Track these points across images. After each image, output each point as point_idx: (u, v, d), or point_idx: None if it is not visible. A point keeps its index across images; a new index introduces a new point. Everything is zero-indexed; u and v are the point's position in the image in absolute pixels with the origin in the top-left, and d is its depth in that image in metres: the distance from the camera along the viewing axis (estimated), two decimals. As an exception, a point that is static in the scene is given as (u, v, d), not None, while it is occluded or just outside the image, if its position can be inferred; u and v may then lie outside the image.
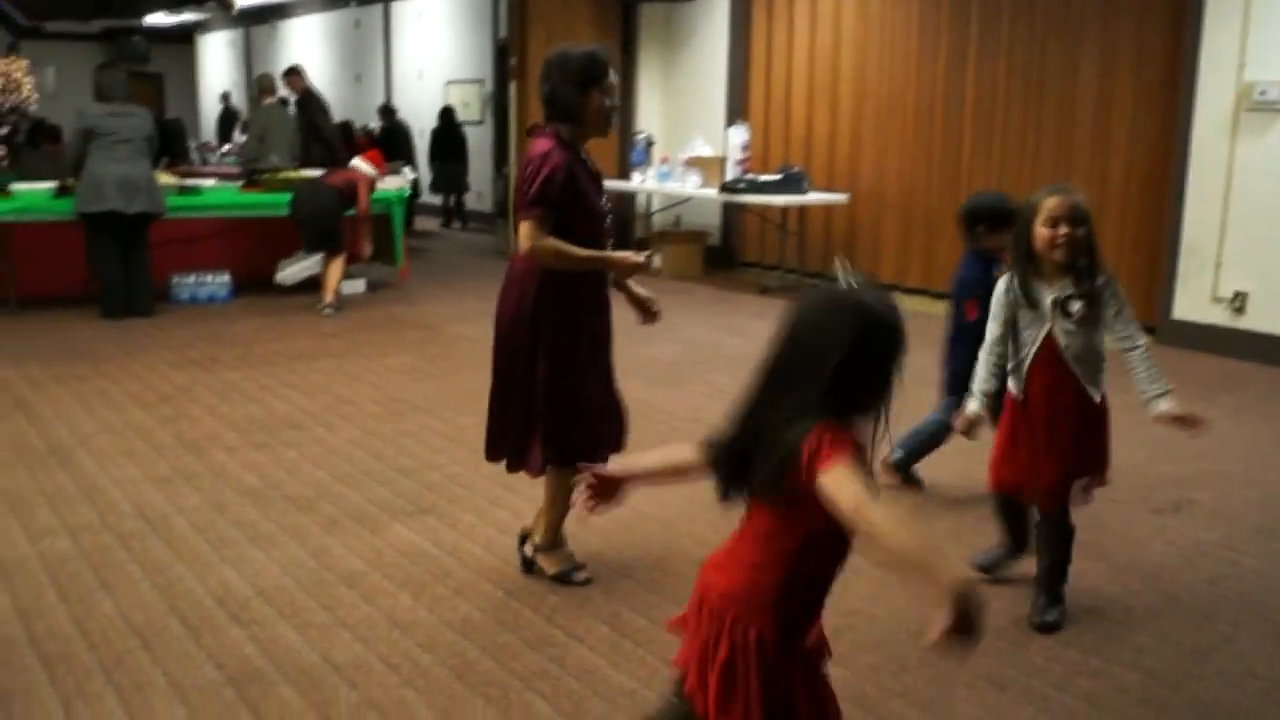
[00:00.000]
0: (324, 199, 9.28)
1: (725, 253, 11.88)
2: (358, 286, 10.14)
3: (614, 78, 3.95)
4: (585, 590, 4.09)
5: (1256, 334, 7.87)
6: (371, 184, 9.54)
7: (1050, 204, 3.59)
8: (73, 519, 4.71)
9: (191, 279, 9.46)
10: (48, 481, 5.15)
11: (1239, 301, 7.95)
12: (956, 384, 4.71)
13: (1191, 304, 8.24)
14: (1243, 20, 7.75)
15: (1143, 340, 3.77)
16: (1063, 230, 3.57)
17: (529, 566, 4.20)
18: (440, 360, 7.54)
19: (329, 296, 9.28)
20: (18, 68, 21.56)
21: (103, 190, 8.56)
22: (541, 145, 3.88)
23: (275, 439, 5.82)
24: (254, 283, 9.87)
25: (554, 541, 4.17)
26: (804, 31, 11.12)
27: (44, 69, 22.71)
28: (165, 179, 9.59)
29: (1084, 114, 8.97)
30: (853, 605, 3.99)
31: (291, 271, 10.00)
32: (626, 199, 12.36)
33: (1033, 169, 9.34)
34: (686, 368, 7.46)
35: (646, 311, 4.21)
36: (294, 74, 12.59)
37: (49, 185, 9.14)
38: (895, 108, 10.39)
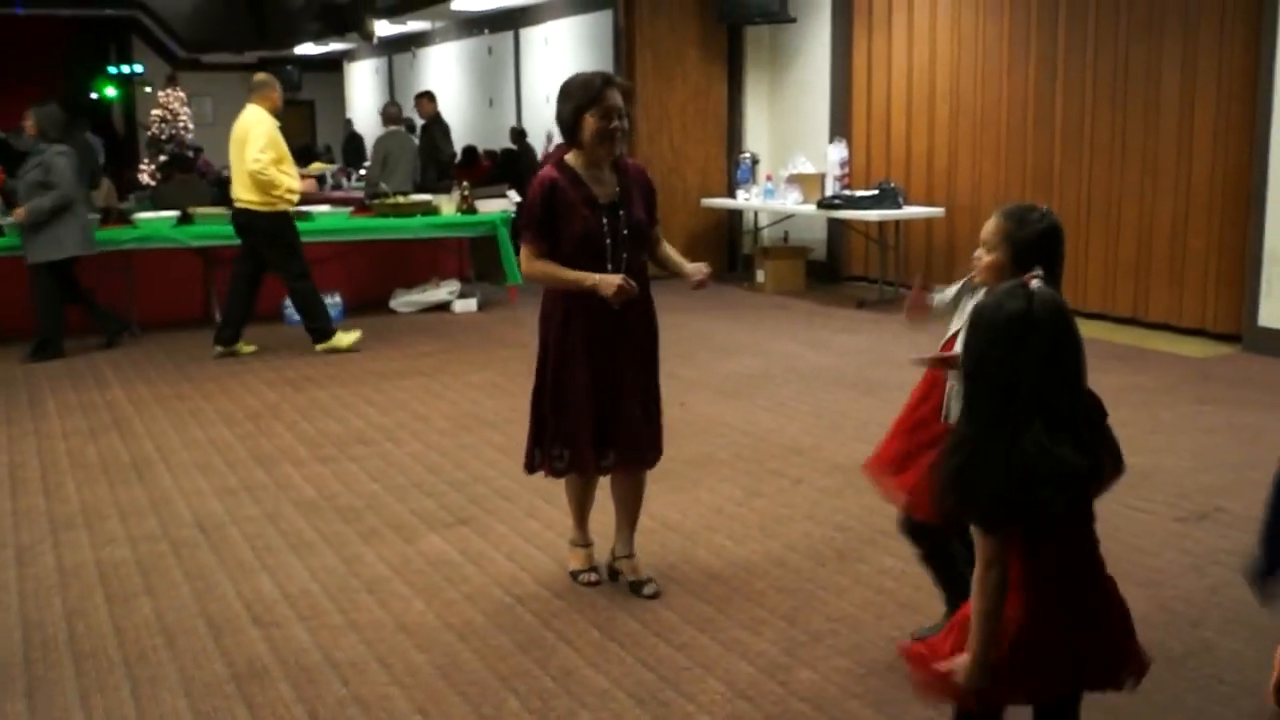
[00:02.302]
0: None
1: (830, 267, 11.89)
2: (469, 306, 10.47)
3: (614, 100, 4.03)
4: (590, 595, 4.25)
5: (1340, 342, 7.70)
6: None
7: None
8: (137, 529, 5.05)
9: (302, 301, 9.88)
10: (124, 494, 5.53)
11: (1322, 309, 7.76)
12: None
13: (1276, 311, 8.07)
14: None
15: None
16: (976, 252, 3.27)
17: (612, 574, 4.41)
18: (521, 378, 7.71)
19: None
20: (175, 99, 22.75)
21: (92, 233, 8.96)
22: (541, 172, 4.16)
23: (343, 453, 6.12)
24: (364, 304, 10.28)
25: (575, 539, 4.45)
26: (902, 49, 11.11)
27: (201, 100, 23.86)
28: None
29: (1168, 121, 8.81)
30: (844, 611, 4.06)
31: (407, 300, 10.44)
32: (734, 216, 12.49)
33: (1121, 178, 9.21)
34: (759, 381, 7.54)
35: (688, 277, 4.18)
36: (426, 98, 13.08)
37: (170, 215, 9.68)
38: (988, 122, 10.31)
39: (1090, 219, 9.47)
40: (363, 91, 23.41)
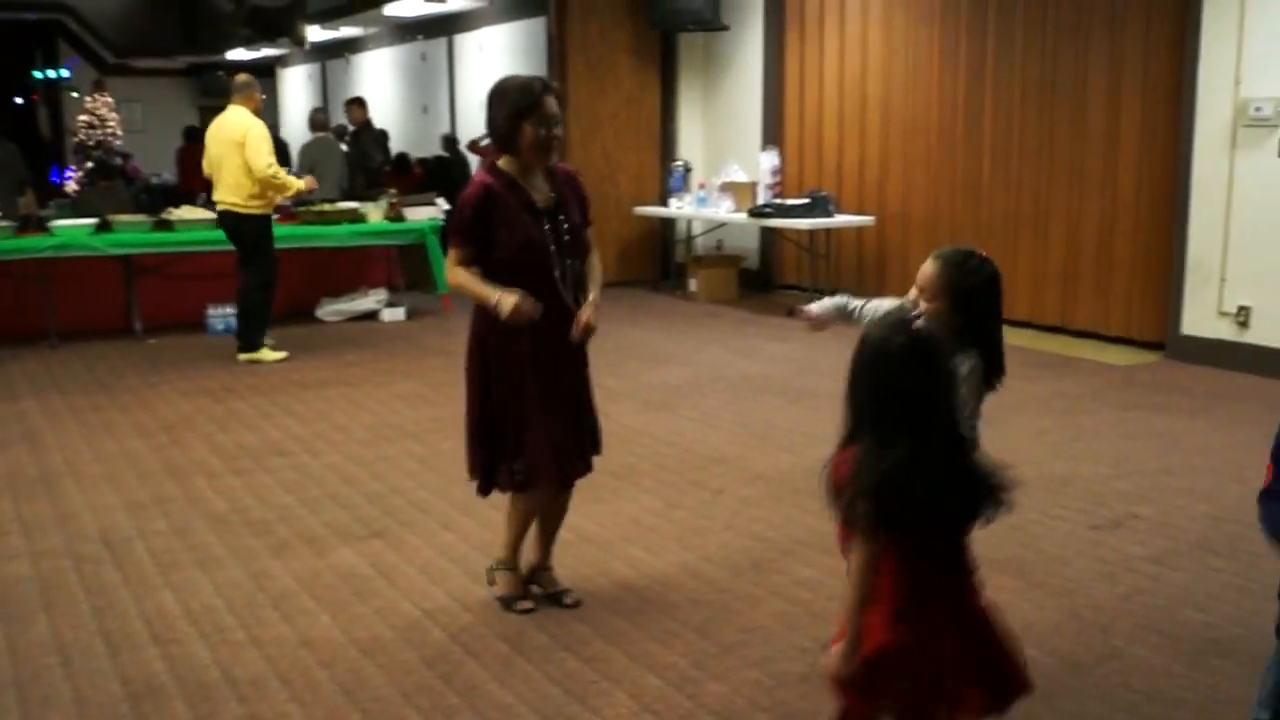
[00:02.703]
0: None
1: (763, 275, 11.89)
2: (397, 315, 10.35)
3: (553, 108, 3.94)
4: (495, 607, 4.17)
5: (1260, 348, 7.76)
6: None
7: None
8: (40, 544, 4.91)
9: (226, 310, 9.71)
10: (28, 508, 5.37)
11: (1243, 316, 7.85)
12: None
13: (1198, 319, 8.15)
14: (1238, 36, 7.68)
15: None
16: (912, 294, 3.20)
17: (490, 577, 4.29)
18: (446, 387, 7.66)
19: None
20: (103, 104, 22.37)
21: None
22: (475, 177, 4.05)
23: (258, 465, 6.00)
24: (291, 313, 10.09)
25: (508, 561, 4.23)
26: (834, 57, 11.13)
27: (130, 105, 23.50)
28: (197, 213, 9.88)
29: (1095, 129, 8.88)
30: (756, 622, 4.02)
31: (334, 309, 10.31)
32: (668, 224, 12.45)
33: (1048, 185, 9.27)
34: (686, 391, 7.50)
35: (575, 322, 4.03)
36: (356, 105, 12.97)
37: (88, 222, 9.49)
38: (919, 129, 10.36)
39: (1018, 227, 9.53)
40: (296, 97, 23.16)
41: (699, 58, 12.50)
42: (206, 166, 8.75)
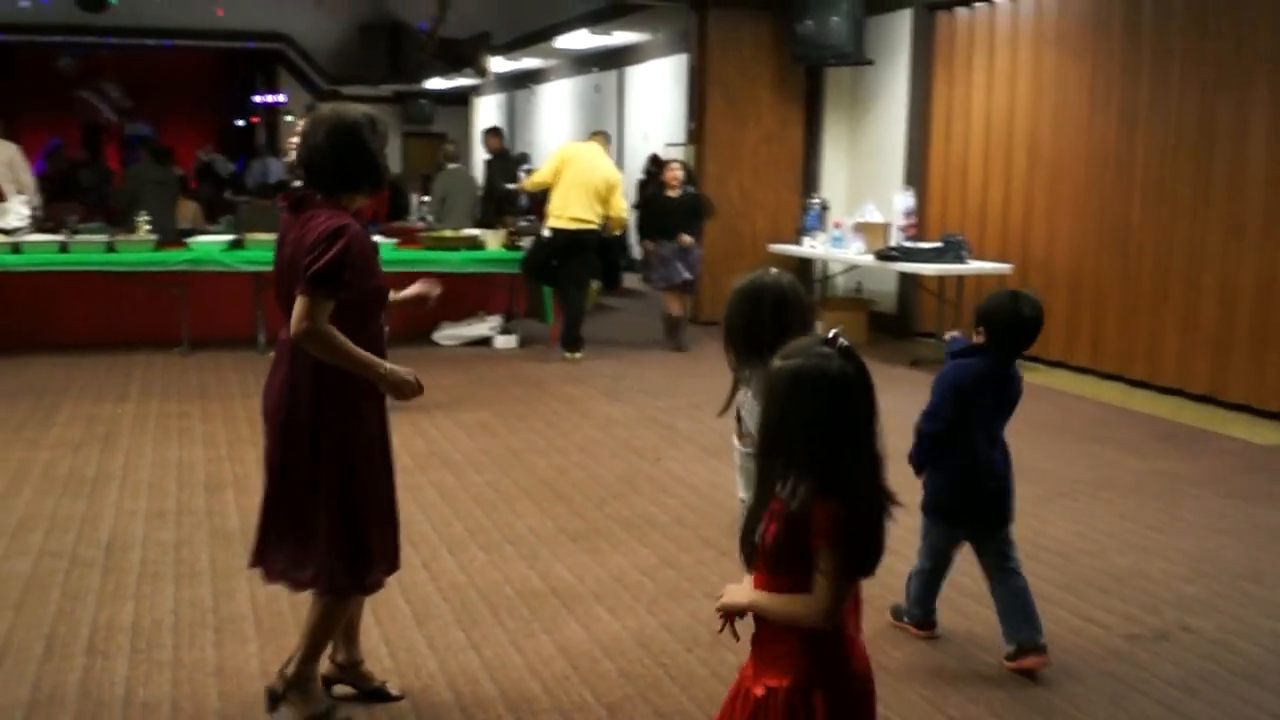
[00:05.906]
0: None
1: (899, 321, 11.52)
2: (510, 342, 10.45)
3: None
4: (420, 653, 4.09)
5: None
6: None
7: None
8: (53, 543, 5.10)
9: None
10: (66, 507, 5.59)
11: None
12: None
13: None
14: None
15: None
16: None
17: (274, 703, 3.59)
18: (514, 419, 7.66)
19: None
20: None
21: None
22: (336, 219, 3.36)
23: (292, 483, 6.08)
24: (411, 335, 10.24)
25: (310, 673, 3.60)
26: (981, 94, 10.71)
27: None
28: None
29: (1255, 179, 8.16)
30: (678, 705, 3.82)
31: (451, 333, 10.48)
32: (805, 264, 12.19)
33: (1203, 240, 8.58)
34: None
35: (421, 302, 3.95)
36: (492, 134, 13.20)
37: (224, 238, 9.90)
38: (1066, 173, 9.84)
39: (1169, 283, 8.89)
40: (487, 124, 23.83)
41: (846, 93, 12.23)
42: (551, 177, 9.87)
